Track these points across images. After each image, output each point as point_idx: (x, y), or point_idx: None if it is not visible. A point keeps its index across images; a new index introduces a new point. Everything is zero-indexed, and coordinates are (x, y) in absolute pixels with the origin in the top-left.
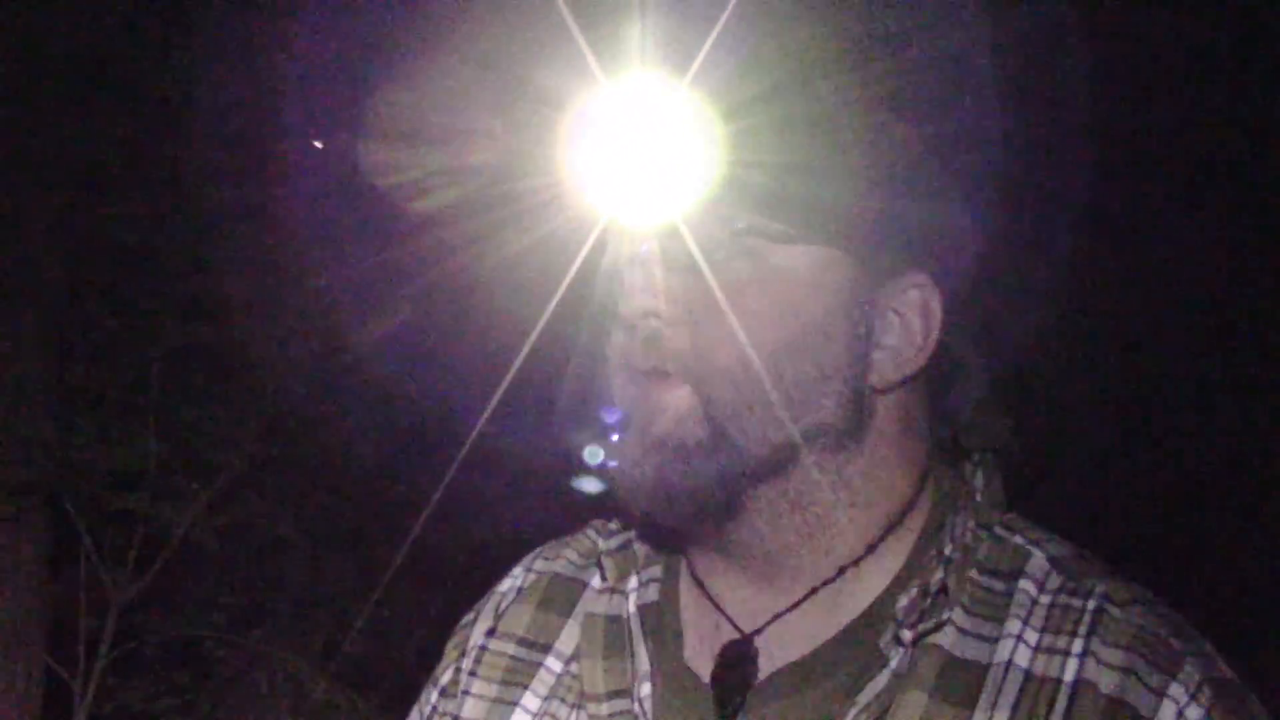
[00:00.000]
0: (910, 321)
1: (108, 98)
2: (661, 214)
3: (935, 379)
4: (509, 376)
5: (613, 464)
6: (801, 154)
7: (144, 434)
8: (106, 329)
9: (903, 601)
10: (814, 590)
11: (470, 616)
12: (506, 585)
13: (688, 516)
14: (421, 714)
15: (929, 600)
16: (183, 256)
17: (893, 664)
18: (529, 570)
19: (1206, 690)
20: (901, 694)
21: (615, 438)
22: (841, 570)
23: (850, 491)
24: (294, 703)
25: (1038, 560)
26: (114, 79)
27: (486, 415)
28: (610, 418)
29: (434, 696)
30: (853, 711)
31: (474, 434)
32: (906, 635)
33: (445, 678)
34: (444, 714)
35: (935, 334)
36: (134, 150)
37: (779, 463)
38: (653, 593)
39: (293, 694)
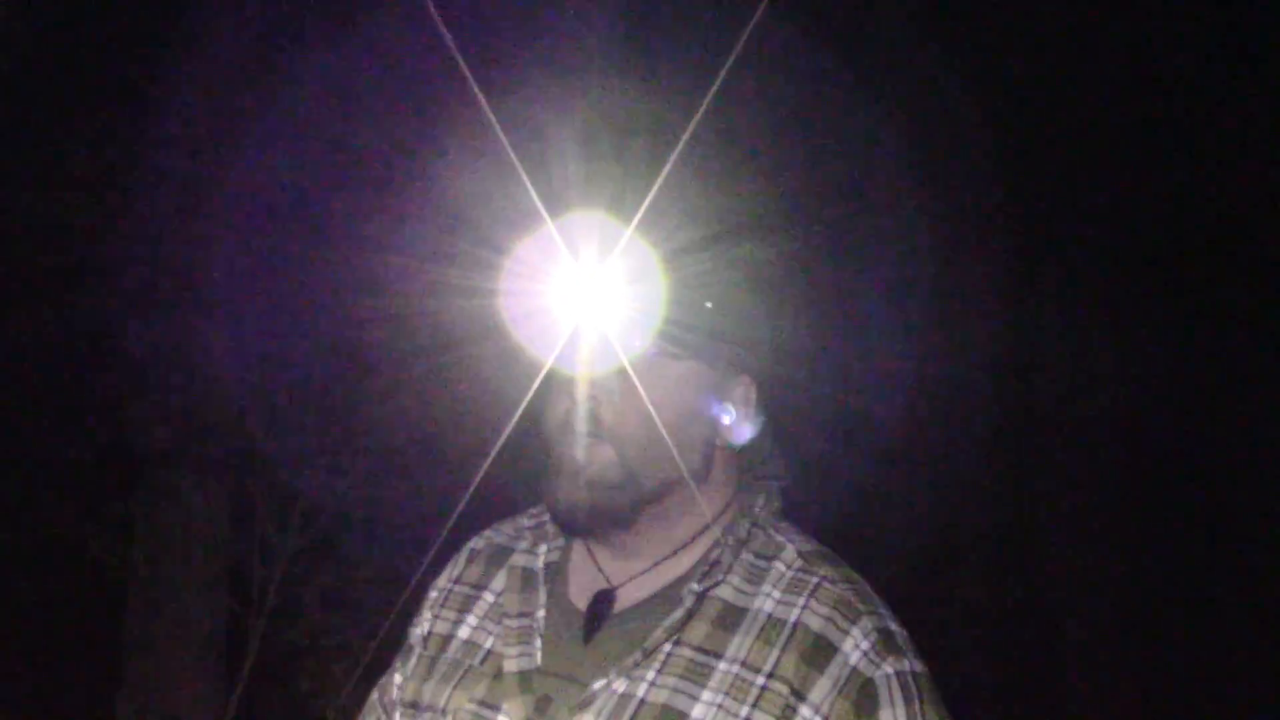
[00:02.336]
0: (742, 408)
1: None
2: (604, 334)
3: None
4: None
5: (552, 494)
6: (709, 303)
7: (311, 424)
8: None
9: (698, 570)
10: (656, 564)
11: (445, 570)
12: (468, 548)
13: (605, 527)
14: (413, 631)
15: (710, 568)
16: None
17: (687, 605)
18: (482, 539)
19: (875, 634)
20: (691, 623)
21: (554, 478)
22: (675, 552)
23: (693, 507)
24: None
25: (790, 551)
26: None
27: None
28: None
29: (420, 620)
30: (658, 631)
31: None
32: (696, 588)
33: (425, 610)
34: (424, 631)
35: (754, 415)
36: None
37: (662, 494)
38: (555, 555)
39: None
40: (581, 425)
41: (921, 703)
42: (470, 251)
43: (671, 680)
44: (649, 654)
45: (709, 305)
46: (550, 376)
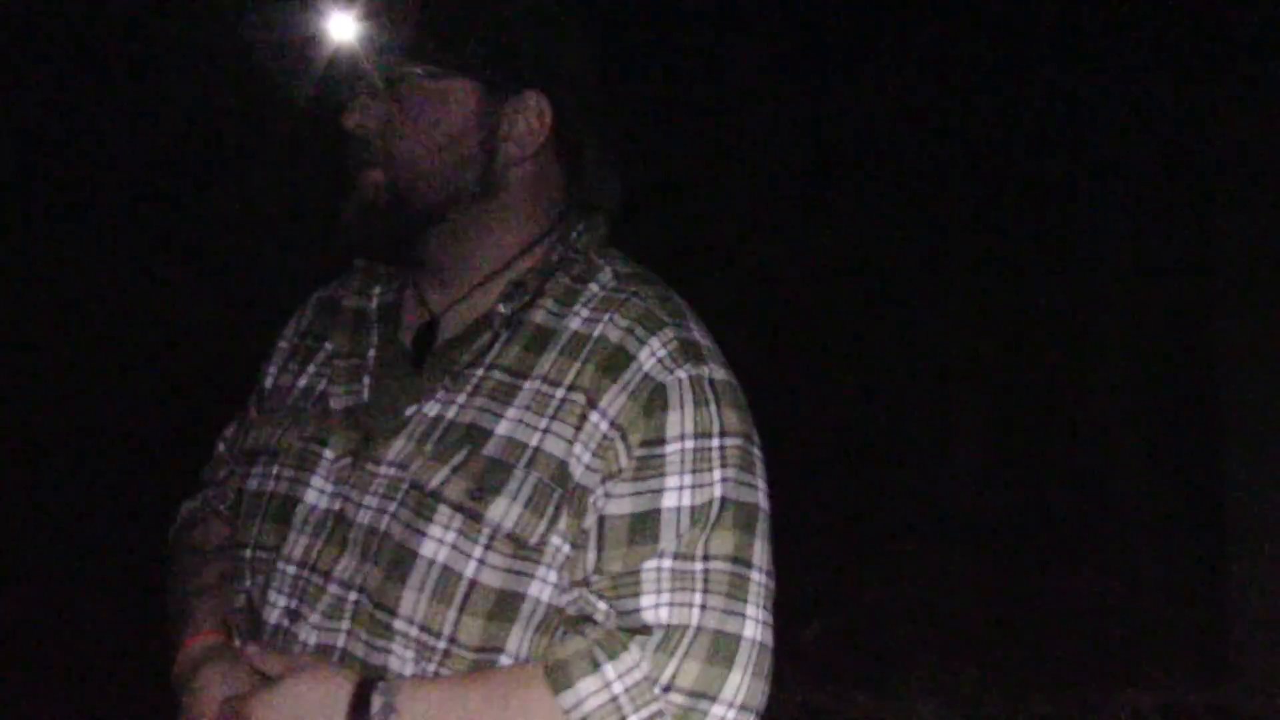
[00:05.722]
0: (530, 121)
1: None
2: (360, 64)
3: (567, 158)
4: None
5: (337, 220)
6: (444, 10)
7: None
8: None
9: (506, 294)
10: (470, 292)
11: (291, 323)
12: (314, 297)
13: (388, 249)
14: (262, 379)
15: (514, 289)
16: None
17: (494, 328)
18: (327, 289)
19: (674, 342)
20: (505, 347)
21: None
22: (485, 280)
23: (489, 229)
24: None
25: (607, 273)
26: None
27: None
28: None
29: (266, 373)
30: (466, 355)
31: None
32: (503, 310)
33: (273, 363)
34: (269, 384)
35: (546, 128)
36: None
37: (439, 214)
38: (390, 297)
39: None
40: (354, 153)
41: (718, 405)
42: None
43: (479, 401)
44: (457, 378)
45: (466, 16)
46: (324, 105)
